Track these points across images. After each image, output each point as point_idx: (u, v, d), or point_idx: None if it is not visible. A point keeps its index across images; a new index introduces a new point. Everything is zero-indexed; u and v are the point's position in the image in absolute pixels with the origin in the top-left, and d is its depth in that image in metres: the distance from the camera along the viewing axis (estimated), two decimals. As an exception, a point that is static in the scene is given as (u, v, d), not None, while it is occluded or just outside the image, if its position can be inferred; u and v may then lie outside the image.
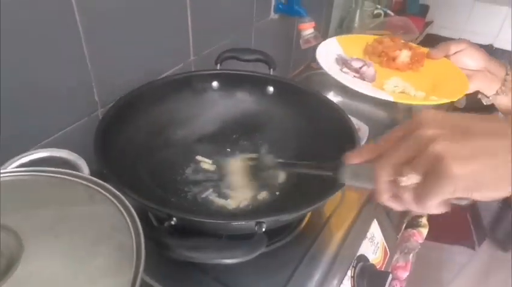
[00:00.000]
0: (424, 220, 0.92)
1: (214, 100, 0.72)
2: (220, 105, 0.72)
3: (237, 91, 0.73)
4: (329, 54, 0.69)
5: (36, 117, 0.57)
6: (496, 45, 1.35)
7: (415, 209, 0.33)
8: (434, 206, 0.32)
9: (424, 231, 0.91)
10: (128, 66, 0.67)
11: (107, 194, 0.41)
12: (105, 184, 0.42)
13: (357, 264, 0.61)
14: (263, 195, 0.64)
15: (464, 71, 0.65)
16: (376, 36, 0.71)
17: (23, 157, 0.46)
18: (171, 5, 0.72)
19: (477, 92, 0.68)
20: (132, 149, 0.57)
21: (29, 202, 0.39)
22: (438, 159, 0.30)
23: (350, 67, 0.65)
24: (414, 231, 0.90)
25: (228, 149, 0.70)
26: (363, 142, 1.02)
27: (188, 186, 0.62)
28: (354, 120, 1.07)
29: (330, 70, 0.65)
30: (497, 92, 0.65)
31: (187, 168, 0.66)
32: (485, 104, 0.68)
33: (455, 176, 0.29)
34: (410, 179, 0.32)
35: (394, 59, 0.66)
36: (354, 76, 0.65)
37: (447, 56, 0.67)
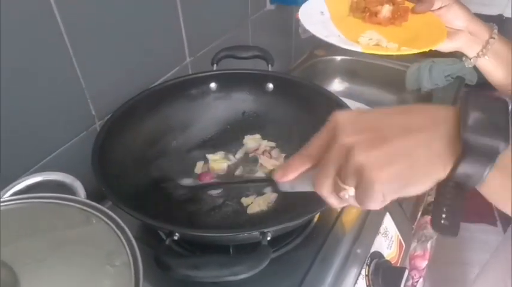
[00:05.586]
0: (440, 205, 0.89)
1: (212, 103, 0.70)
2: (219, 108, 0.70)
3: (236, 91, 0.71)
4: (313, 12, 0.67)
5: (33, 139, 0.56)
6: (506, 14, 1.30)
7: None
8: (378, 206, 0.32)
9: (442, 216, 0.88)
10: (122, 77, 0.66)
11: (103, 217, 0.40)
12: (101, 207, 0.41)
13: (371, 262, 0.59)
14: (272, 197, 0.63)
15: (447, 28, 0.63)
16: None
17: (18, 183, 0.45)
18: (160, 8, 0.70)
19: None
20: (131, 162, 0.56)
21: (24, 232, 0.38)
22: (359, 171, 0.30)
23: None
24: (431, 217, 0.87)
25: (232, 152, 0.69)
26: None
27: (189, 194, 0.61)
28: (362, 106, 1.05)
29: (310, 26, 0.62)
30: (477, 54, 0.64)
31: (188, 176, 0.64)
32: (467, 66, 0.66)
33: (379, 184, 0.29)
34: (347, 192, 0.32)
35: (376, 14, 0.65)
36: None
37: (432, 11, 0.64)
